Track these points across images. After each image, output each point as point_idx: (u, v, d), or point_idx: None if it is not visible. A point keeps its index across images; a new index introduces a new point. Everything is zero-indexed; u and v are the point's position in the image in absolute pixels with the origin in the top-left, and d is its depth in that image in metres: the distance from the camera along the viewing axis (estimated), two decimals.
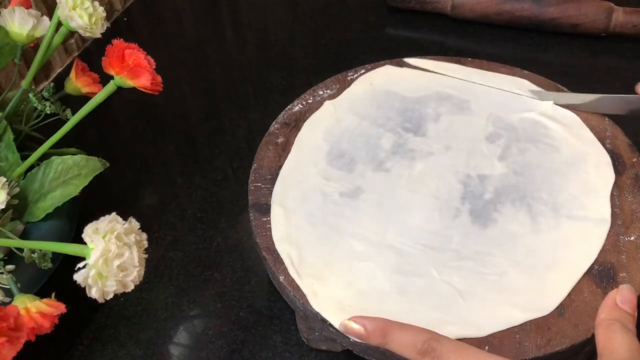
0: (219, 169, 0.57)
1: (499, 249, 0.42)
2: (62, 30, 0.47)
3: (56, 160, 0.45)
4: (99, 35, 0.46)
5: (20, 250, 0.42)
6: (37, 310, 0.36)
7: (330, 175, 0.47)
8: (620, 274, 0.40)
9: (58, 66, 0.67)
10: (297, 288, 0.40)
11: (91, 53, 0.69)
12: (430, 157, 0.48)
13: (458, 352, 0.34)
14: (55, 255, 0.43)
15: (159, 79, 0.44)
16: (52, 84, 0.50)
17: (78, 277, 0.34)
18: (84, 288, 0.34)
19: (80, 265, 0.34)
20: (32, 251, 0.41)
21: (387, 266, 0.41)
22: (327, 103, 0.52)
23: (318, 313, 0.39)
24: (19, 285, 0.39)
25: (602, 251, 0.41)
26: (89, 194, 0.46)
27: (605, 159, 0.46)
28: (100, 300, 0.35)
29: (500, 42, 0.67)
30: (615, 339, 0.35)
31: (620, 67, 0.64)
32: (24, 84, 0.48)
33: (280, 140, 0.49)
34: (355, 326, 0.37)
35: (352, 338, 0.37)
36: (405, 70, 0.55)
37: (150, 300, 0.48)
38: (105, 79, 0.46)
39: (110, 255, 0.34)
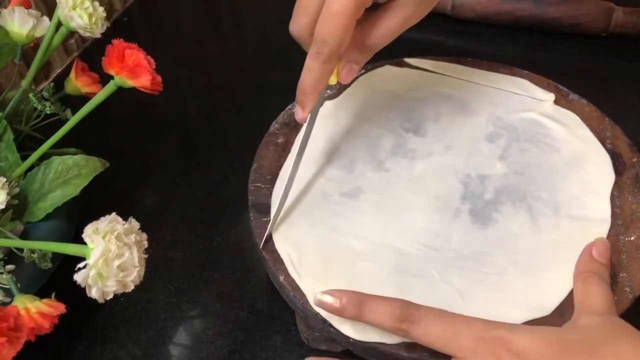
0: (219, 169, 0.57)
1: (499, 249, 0.42)
2: (62, 30, 0.47)
3: (56, 160, 0.45)
4: (99, 35, 0.46)
5: (20, 250, 0.42)
6: (37, 311, 0.36)
7: (330, 175, 0.47)
8: (621, 274, 0.40)
9: (58, 66, 0.67)
10: (297, 288, 0.40)
11: (91, 53, 0.69)
12: (430, 157, 0.48)
13: (436, 315, 0.35)
14: (55, 255, 0.43)
15: (159, 79, 0.44)
16: (52, 84, 0.50)
17: (78, 277, 0.34)
18: (84, 288, 0.34)
19: (81, 265, 0.34)
20: (32, 251, 0.41)
21: (387, 266, 0.41)
22: (327, 103, 0.52)
23: (318, 313, 0.39)
24: (19, 285, 0.39)
25: None
26: (89, 194, 0.46)
27: (605, 159, 0.46)
28: (100, 301, 0.35)
29: (500, 42, 0.67)
30: (593, 292, 0.37)
31: (620, 67, 0.64)
32: (24, 84, 0.48)
33: (280, 140, 0.49)
34: (330, 299, 0.36)
35: (345, 333, 0.37)
36: (405, 70, 0.55)
37: (150, 300, 0.48)
38: (105, 79, 0.45)
39: (111, 256, 0.34)
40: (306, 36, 0.39)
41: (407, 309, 0.35)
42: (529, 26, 0.67)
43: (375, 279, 0.40)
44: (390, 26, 0.39)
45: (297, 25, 0.39)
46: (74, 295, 0.36)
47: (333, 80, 0.41)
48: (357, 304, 0.36)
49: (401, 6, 0.39)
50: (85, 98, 0.50)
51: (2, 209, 0.42)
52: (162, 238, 0.52)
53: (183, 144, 0.60)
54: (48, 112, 0.48)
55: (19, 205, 0.45)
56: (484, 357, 0.33)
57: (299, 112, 0.42)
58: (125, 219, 0.36)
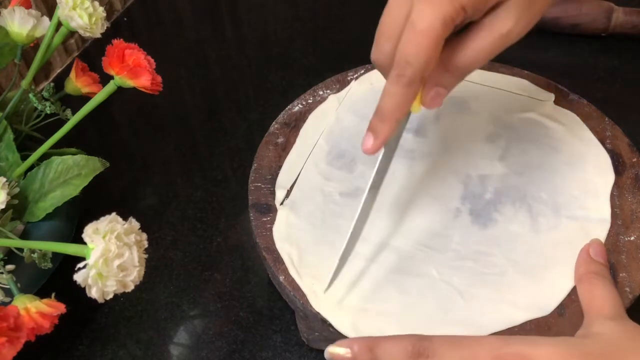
0: (219, 169, 0.57)
1: (499, 249, 0.42)
2: (62, 30, 0.47)
3: (56, 160, 0.45)
4: (99, 35, 0.46)
5: (20, 250, 0.42)
6: (37, 310, 0.36)
7: (331, 175, 0.47)
8: (621, 274, 0.40)
9: (58, 66, 0.67)
10: (297, 288, 0.40)
11: (91, 53, 0.69)
12: (431, 157, 0.48)
13: (450, 343, 0.34)
14: (55, 255, 0.43)
15: (159, 79, 0.44)
16: (52, 84, 0.50)
17: (78, 277, 0.34)
18: (84, 288, 0.34)
19: (81, 265, 0.34)
20: (32, 251, 0.41)
21: (387, 266, 0.41)
22: (331, 97, 0.52)
23: (318, 313, 0.39)
24: (19, 285, 0.39)
25: None
26: (89, 194, 0.46)
27: (605, 159, 0.46)
28: (100, 300, 0.35)
29: None
30: (599, 295, 0.37)
31: (620, 67, 0.64)
32: (24, 84, 0.48)
33: (280, 140, 0.49)
34: (341, 351, 0.35)
35: None
36: None
37: (150, 300, 0.48)
38: (105, 79, 0.46)
39: (111, 256, 0.34)
40: (391, 63, 0.34)
41: (420, 343, 0.33)
42: None
43: (375, 279, 0.40)
44: (484, 45, 0.34)
45: (381, 52, 0.35)
46: (74, 295, 0.36)
47: (416, 108, 0.36)
48: (369, 350, 0.35)
49: (498, 21, 0.34)
50: (85, 98, 0.50)
51: (2, 209, 0.42)
52: (162, 238, 0.52)
53: (183, 144, 0.60)
54: (48, 112, 0.48)
55: (19, 205, 0.45)
56: None
57: (369, 141, 0.36)
58: (125, 219, 0.36)
